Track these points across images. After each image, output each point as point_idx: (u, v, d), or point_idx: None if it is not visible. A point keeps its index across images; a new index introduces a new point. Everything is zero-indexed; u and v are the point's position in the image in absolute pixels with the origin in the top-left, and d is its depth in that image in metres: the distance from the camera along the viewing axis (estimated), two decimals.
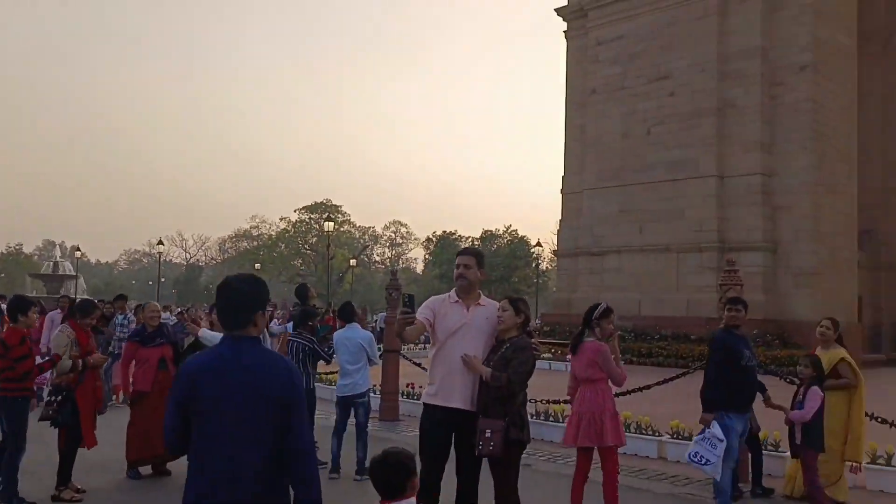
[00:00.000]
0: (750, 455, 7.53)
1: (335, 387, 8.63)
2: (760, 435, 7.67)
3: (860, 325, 25.38)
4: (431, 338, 4.90)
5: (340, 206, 75.06)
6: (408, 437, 9.40)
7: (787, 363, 17.05)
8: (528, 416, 4.84)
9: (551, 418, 9.91)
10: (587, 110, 28.12)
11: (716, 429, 6.10)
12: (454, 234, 67.36)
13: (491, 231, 65.56)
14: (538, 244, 52.22)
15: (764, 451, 7.68)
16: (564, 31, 30.19)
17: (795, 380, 7.20)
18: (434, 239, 67.81)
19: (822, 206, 24.01)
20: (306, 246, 75.59)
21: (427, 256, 70.72)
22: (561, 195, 29.70)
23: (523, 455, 4.81)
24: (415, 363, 11.94)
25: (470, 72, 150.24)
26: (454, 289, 4.87)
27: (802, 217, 23.69)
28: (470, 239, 66.21)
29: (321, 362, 8.21)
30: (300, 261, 76.56)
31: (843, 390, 6.94)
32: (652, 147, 26.04)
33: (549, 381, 11.18)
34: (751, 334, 8.20)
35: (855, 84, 26.15)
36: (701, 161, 24.94)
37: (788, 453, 7.09)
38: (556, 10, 30.30)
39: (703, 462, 6.10)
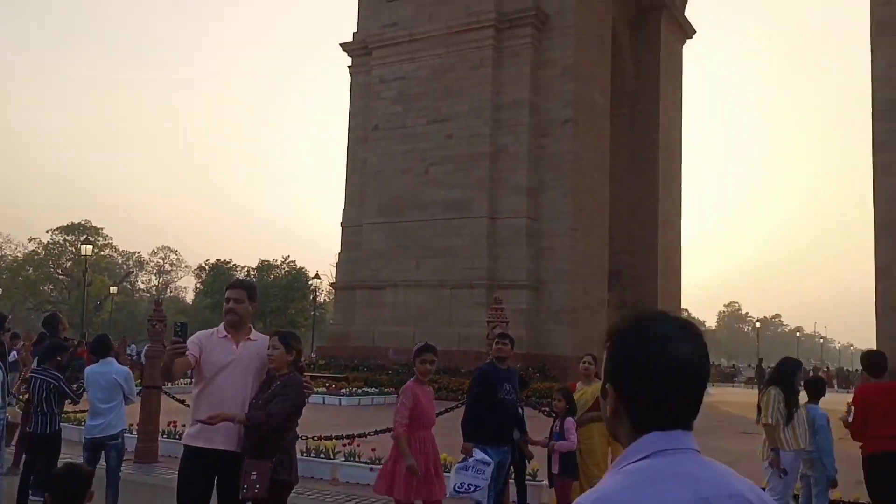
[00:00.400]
0: (515, 485, 7.87)
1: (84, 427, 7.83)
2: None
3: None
4: (195, 374, 4.61)
5: (101, 229, 69.30)
6: (166, 479, 8.74)
7: (546, 395, 18.20)
8: (297, 455, 4.69)
9: (322, 455, 9.73)
10: (369, 145, 28.60)
11: (478, 454, 6.23)
12: (229, 262, 64.85)
13: (268, 261, 63.98)
14: (317, 276, 51.74)
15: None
16: (349, 67, 30.58)
17: (553, 413, 7.67)
18: (207, 267, 64.80)
19: (579, 250, 26.27)
20: (59, 270, 68.68)
21: (199, 285, 67.32)
22: (341, 228, 29.77)
23: (291, 495, 4.65)
24: (178, 400, 11.19)
25: (251, 97, 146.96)
26: (223, 323, 4.65)
27: (562, 259, 25.73)
28: (246, 269, 64.02)
29: (69, 401, 7.42)
30: (51, 287, 69.39)
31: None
32: (430, 186, 27.01)
33: (322, 417, 11.01)
34: (515, 367, 8.65)
35: (608, 140, 29.12)
36: (475, 202, 26.28)
37: (546, 482, 7.50)
38: (341, 45, 30.61)
39: (472, 490, 6.11)
